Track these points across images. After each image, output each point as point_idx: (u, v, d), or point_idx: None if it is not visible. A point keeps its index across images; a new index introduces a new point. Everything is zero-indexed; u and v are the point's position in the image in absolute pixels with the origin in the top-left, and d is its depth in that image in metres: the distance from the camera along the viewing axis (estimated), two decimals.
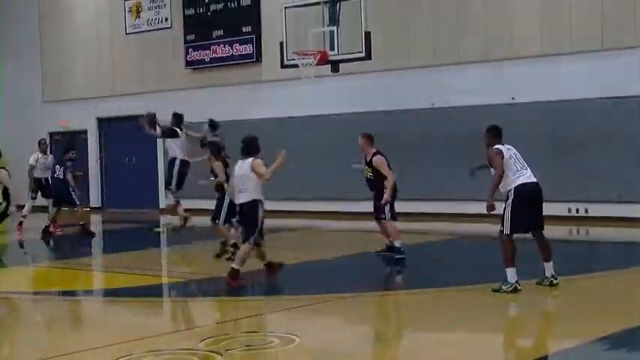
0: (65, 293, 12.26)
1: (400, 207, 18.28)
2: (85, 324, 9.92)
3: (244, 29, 22.40)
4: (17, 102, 27.83)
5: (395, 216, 13.40)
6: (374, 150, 13.33)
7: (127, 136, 25.10)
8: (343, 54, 16.97)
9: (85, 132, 26.33)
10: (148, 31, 24.62)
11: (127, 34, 25.12)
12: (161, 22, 24.39)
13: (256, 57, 22.20)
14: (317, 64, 16.92)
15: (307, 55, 16.89)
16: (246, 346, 8.13)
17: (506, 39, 18.61)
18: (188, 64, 23.57)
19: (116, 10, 25.31)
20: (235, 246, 13.06)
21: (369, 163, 13.32)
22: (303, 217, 20.07)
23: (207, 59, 23.19)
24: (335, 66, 17.44)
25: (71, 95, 26.43)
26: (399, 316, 9.49)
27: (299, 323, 9.16)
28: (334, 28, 16.86)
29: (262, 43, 22.07)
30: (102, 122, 26.06)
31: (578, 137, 17.79)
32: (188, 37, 23.52)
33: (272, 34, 20.56)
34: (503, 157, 10.61)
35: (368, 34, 16.58)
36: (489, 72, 18.85)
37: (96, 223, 22.57)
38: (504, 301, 10.02)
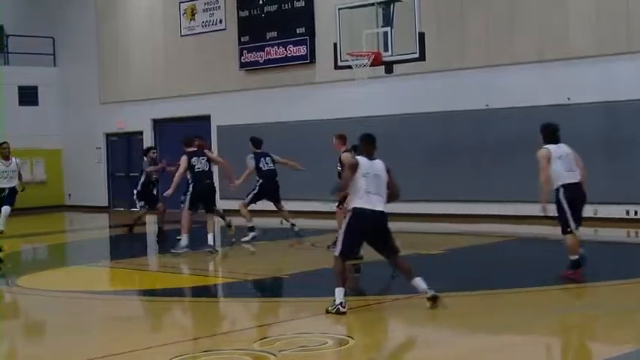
0: (122, 292, 12.41)
1: (454, 209, 18.22)
2: (141, 323, 10.02)
3: (298, 30, 22.46)
4: (75, 104, 28.23)
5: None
6: (345, 148, 14.15)
7: (182, 136, 25.25)
8: (397, 55, 16.94)
9: (140, 133, 26.62)
10: (203, 33, 24.80)
11: (181, 36, 25.34)
12: (215, 23, 24.54)
13: (310, 58, 22.24)
14: (371, 65, 16.91)
15: (361, 56, 16.90)
16: (300, 347, 8.15)
17: (561, 39, 18.41)
18: (242, 65, 23.70)
19: (171, 12, 25.54)
20: None
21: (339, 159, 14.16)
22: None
23: (261, 61, 23.29)
24: (389, 67, 17.42)
25: (127, 97, 26.74)
26: (455, 317, 9.44)
27: (354, 324, 9.16)
28: (388, 29, 16.84)
29: (316, 44, 22.10)
30: (157, 123, 26.31)
31: (636, 138, 17.54)
32: (242, 39, 23.64)
33: (326, 35, 20.59)
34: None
35: (422, 35, 16.54)
36: (544, 72, 18.65)
37: (152, 223, 22.77)
38: (563, 303, 9.93)
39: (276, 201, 17.01)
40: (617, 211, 17.12)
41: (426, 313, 9.76)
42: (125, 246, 18.88)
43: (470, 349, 8.07)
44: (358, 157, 9.74)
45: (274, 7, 22.96)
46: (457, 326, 9.06)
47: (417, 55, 16.67)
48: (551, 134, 11.13)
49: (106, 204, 27.45)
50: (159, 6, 25.99)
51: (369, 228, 9.64)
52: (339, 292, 9.39)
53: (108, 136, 27.60)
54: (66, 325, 10.17)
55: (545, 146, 10.96)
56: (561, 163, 11.05)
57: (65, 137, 28.19)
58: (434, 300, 9.53)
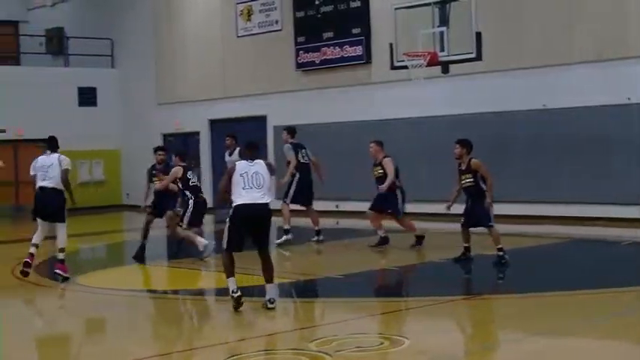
0: (178, 292, 12.50)
1: (512, 210, 18.06)
2: (198, 322, 10.09)
3: (354, 31, 22.44)
4: (133, 104, 28.57)
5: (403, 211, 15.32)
6: (384, 154, 15.16)
7: (239, 137, 25.41)
8: (453, 55, 16.85)
9: (197, 133, 26.82)
10: (259, 33, 24.91)
11: (238, 36, 25.48)
12: (272, 24, 24.63)
13: (366, 58, 22.21)
14: (427, 66, 16.84)
15: (417, 56, 16.84)
16: (356, 347, 8.14)
17: (620, 38, 18.14)
18: (298, 66, 23.75)
19: (228, 13, 25.69)
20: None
21: (379, 164, 15.08)
22: (409, 219, 19.86)
23: (317, 61, 23.32)
24: (445, 67, 17.33)
25: (184, 97, 26.97)
26: (512, 319, 9.35)
27: (410, 325, 9.13)
28: (444, 28, 16.76)
29: (372, 44, 22.07)
30: (214, 124, 26.49)
31: None
32: (298, 39, 23.70)
33: (382, 35, 20.56)
34: None
35: (478, 35, 16.43)
36: (603, 72, 18.39)
37: (209, 224, 22.93)
38: (621, 305, 9.80)
39: (309, 201, 16.60)
40: None
41: (483, 315, 9.70)
42: (181, 246, 19.02)
43: (529, 353, 7.99)
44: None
45: (330, 8, 22.97)
46: (513, 328, 8.98)
47: (473, 55, 16.57)
48: None
49: None
50: (216, 7, 26.17)
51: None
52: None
53: (165, 136, 27.85)
54: (122, 324, 10.30)
55: None
56: None
57: (123, 138, 28.53)
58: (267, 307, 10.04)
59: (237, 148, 16.59)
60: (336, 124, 22.46)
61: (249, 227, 10.17)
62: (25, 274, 12.86)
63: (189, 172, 14.91)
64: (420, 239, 15.13)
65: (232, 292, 9.98)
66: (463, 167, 13.30)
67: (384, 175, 14.94)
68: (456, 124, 20.13)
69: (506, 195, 19.50)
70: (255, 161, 10.30)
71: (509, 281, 12.52)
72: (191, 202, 14.68)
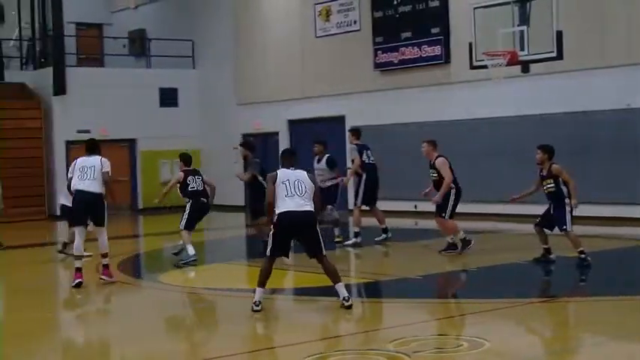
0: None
1: (592, 211, 17.78)
2: (276, 322, 10.17)
3: (433, 30, 22.34)
4: (213, 105, 28.90)
5: (452, 215, 14.45)
6: (437, 154, 14.48)
7: (317, 137, 25.54)
8: (534, 54, 16.67)
9: (276, 134, 27.01)
10: (338, 34, 24.98)
11: (316, 37, 25.59)
12: (350, 24, 24.68)
13: (445, 58, 22.10)
14: (507, 65, 16.70)
15: (497, 55, 16.71)
16: (435, 348, 8.14)
17: None
18: (377, 66, 23.75)
19: (306, 13, 25.82)
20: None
21: (433, 166, 14.41)
22: (489, 220, 19.77)
23: (395, 61, 23.28)
24: (525, 66, 17.17)
25: (263, 98, 27.18)
26: (592, 323, 9.24)
27: (489, 327, 9.09)
28: (524, 27, 16.59)
29: (451, 44, 21.95)
30: (292, 124, 26.64)
31: None
32: (377, 39, 23.69)
33: (461, 34, 20.43)
34: None
35: (560, 33, 16.23)
36: None
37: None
38: None
39: (374, 202, 16.50)
40: None
41: (562, 318, 9.60)
42: (261, 245, 19.21)
43: (608, 356, 7.90)
44: None
45: (409, 8, 22.92)
46: (593, 331, 8.87)
47: (554, 54, 16.37)
48: None
49: (243, 204, 27.96)
50: (295, 8, 26.32)
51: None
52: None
53: (245, 136, 28.08)
54: (202, 321, 10.46)
55: None
56: None
57: (203, 138, 28.86)
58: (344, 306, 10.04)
59: (327, 156, 16.54)
60: (415, 124, 22.39)
61: (294, 235, 10.33)
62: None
63: (190, 177, 14.97)
64: (461, 244, 14.48)
65: (255, 303, 10.07)
66: (544, 173, 13.15)
67: (439, 179, 14.30)
68: (536, 124, 19.93)
69: (587, 196, 19.26)
70: (297, 170, 10.37)
71: (590, 284, 12.36)
72: (188, 205, 14.81)
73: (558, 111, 19.67)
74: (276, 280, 13.77)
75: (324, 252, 10.30)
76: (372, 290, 12.18)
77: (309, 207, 10.16)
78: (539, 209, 13.54)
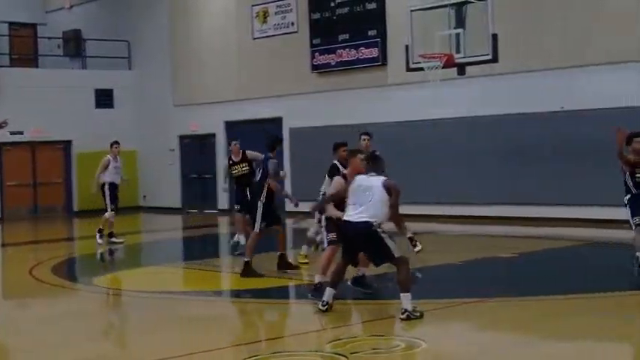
0: (193, 293, 12.53)
1: (530, 212, 17.95)
2: (212, 324, 10.10)
3: (370, 32, 22.44)
4: (150, 106, 28.63)
5: None
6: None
7: (254, 139, 25.50)
8: (469, 56, 16.82)
9: (213, 135, 26.87)
10: (275, 35, 24.95)
11: (254, 38, 25.53)
12: (288, 26, 24.67)
13: (382, 60, 22.21)
14: (443, 67, 16.83)
15: (433, 58, 16.83)
16: (372, 349, 8.15)
17: (636, 40, 18.05)
18: (314, 67, 23.78)
19: (244, 15, 25.74)
20: None
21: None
22: (424, 221, 19.86)
23: (333, 63, 23.34)
24: (461, 69, 17.31)
25: (200, 99, 27.02)
26: (527, 323, 9.34)
27: (426, 328, 9.13)
28: (460, 30, 16.75)
29: (388, 46, 22.06)
30: (230, 125, 26.53)
31: None
32: (314, 41, 23.73)
33: (398, 37, 20.52)
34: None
35: (495, 36, 16.39)
36: (620, 74, 18.30)
37: (224, 225, 23.05)
38: (627, 308, 9.78)
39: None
40: None
41: (497, 318, 9.68)
42: (197, 248, 19.14)
43: (542, 355, 7.99)
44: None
45: (346, 10, 22.99)
46: (526, 331, 8.97)
47: (490, 57, 16.54)
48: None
49: (180, 205, 27.79)
50: (232, 9, 26.23)
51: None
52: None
53: (181, 138, 27.93)
54: (139, 325, 10.33)
55: None
56: None
57: (140, 139, 28.58)
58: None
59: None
60: (352, 125, 22.41)
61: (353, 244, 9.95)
62: None
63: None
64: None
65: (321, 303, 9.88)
66: None
67: None
68: (473, 126, 20.14)
69: (521, 197, 19.54)
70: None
71: (525, 284, 12.49)
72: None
73: (494, 113, 19.88)
74: (217, 282, 13.73)
75: None
76: (312, 291, 12.14)
77: (364, 217, 9.66)
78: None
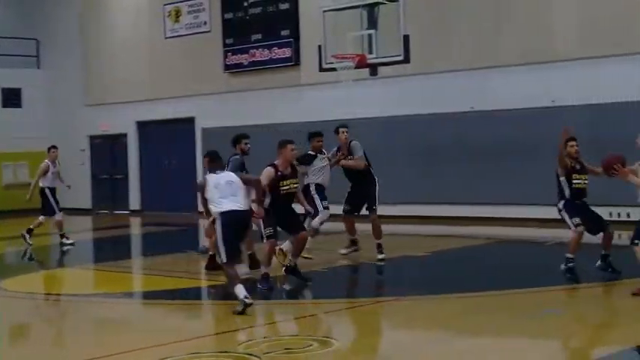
0: (105, 295, 12.34)
1: (442, 211, 18.13)
2: (124, 326, 9.97)
3: (283, 33, 22.45)
4: (60, 105, 28.12)
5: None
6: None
7: (166, 139, 25.30)
8: (382, 57, 16.93)
9: (124, 135, 26.55)
10: (188, 35, 24.76)
11: (166, 38, 25.29)
12: (200, 25, 24.50)
13: (295, 60, 22.23)
14: (355, 68, 16.90)
15: (346, 58, 16.89)
16: (285, 349, 8.14)
17: (545, 41, 18.41)
18: (227, 67, 23.67)
19: (155, 14, 25.48)
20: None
21: None
22: (338, 221, 19.88)
23: (245, 63, 23.27)
24: (373, 69, 17.41)
25: (111, 99, 26.65)
26: (442, 320, 9.43)
27: (338, 327, 9.15)
28: (373, 31, 16.83)
29: (301, 46, 22.10)
30: (141, 125, 26.24)
31: (622, 140, 17.51)
32: (227, 41, 23.62)
33: (311, 37, 20.55)
34: None
35: (407, 37, 16.53)
36: (530, 75, 18.64)
37: (135, 226, 22.78)
38: (547, 304, 9.95)
39: None
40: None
41: (412, 316, 9.76)
42: (108, 249, 18.86)
43: (451, 352, 8.08)
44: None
45: (259, 10, 22.95)
46: (441, 329, 9.07)
47: (401, 58, 16.67)
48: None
49: (90, 206, 27.37)
50: (143, 8, 25.93)
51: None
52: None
53: (92, 138, 27.51)
54: (49, 329, 10.13)
55: None
56: None
57: (49, 139, 27.89)
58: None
59: None
60: (265, 125, 22.40)
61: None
62: None
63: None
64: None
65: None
66: None
67: None
68: (386, 126, 20.29)
69: (433, 196, 19.77)
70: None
71: (437, 282, 12.63)
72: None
73: (406, 113, 20.07)
74: (127, 283, 13.55)
75: None
76: (223, 292, 12.07)
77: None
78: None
